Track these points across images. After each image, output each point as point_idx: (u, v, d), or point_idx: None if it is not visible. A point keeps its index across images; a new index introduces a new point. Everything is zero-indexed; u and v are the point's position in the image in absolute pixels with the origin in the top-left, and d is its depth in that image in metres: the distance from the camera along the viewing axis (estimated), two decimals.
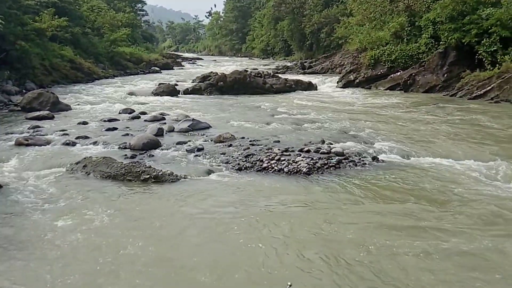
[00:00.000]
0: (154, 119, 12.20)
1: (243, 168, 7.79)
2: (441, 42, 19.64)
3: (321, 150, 8.66)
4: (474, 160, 8.21)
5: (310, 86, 21.44)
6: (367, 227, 5.52)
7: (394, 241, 5.08)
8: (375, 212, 6.04)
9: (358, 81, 22.45)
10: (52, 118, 12.49)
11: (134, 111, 13.51)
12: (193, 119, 11.38)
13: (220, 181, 7.26)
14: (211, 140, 9.73)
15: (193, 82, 21.79)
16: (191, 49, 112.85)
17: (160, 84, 20.39)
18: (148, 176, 7.15)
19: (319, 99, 17.87)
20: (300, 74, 29.96)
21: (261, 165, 7.89)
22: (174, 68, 38.95)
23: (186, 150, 8.87)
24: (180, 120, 11.52)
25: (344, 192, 6.78)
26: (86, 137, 9.97)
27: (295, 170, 7.61)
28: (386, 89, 21.09)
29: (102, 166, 7.52)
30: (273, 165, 7.82)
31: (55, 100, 13.90)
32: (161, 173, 7.25)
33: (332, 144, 9.35)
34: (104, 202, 6.28)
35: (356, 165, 8.04)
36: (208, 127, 11.22)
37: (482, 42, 17.60)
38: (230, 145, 9.19)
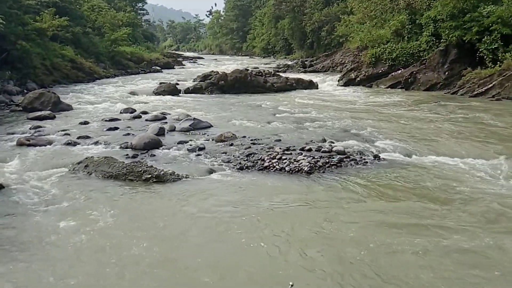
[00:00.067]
0: (155, 119, 12.20)
1: (244, 168, 7.79)
2: (442, 40, 19.61)
3: (323, 149, 8.66)
4: (477, 158, 8.19)
5: (311, 85, 21.42)
6: (369, 225, 5.52)
7: (396, 239, 5.09)
8: (377, 210, 6.04)
9: (359, 79, 22.44)
10: (53, 118, 12.50)
11: (135, 110, 13.52)
12: (194, 119, 11.39)
13: (222, 180, 7.26)
14: (213, 139, 9.73)
15: (194, 81, 21.81)
16: (191, 48, 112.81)
17: (161, 83, 20.41)
18: (150, 175, 7.15)
19: (320, 98, 17.86)
20: (301, 72, 29.95)
21: (263, 164, 7.89)
22: (175, 67, 38.96)
23: (188, 150, 8.88)
24: (181, 120, 11.52)
25: (345, 190, 6.78)
26: (88, 137, 9.98)
27: (297, 169, 7.61)
28: (387, 87, 21.07)
29: (103, 166, 7.53)
30: (274, 164, 7.82)
31: (56, 100, 13.91)
32: (162, 172, 7.25)
33: (333, 142, 9.35)
34: (107, 202, 6.29)
35: (357, 163, 8.04)
36: (209, 126, 11.22)
37: (483, 39, 17.56)
38: (232, 144, 9.20)
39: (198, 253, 4.88)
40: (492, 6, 17.95)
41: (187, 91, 19.16)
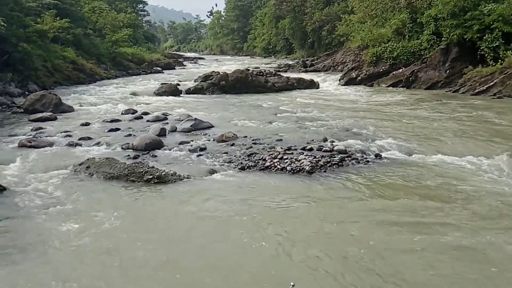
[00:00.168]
0: (157, 119, 12.21)
1: (246, 167, 7.79)
2: (443, 39, 19.58)
3: (324, 148, 8.66)
4: (479, 157, 8.17)
5: (312, 84, 21.41)
6: (370, 224, 5.52)
7: (397, 238, 5.10)
8: (378, 209, 6.03)
9: (360, 78, 22.43)
10: (55, 119, 12.52)
11: (136, 111, 13.54)
12: (195, 119, 11.39)
13: (223, 180, 7.26)
14: (214, 140, 9.74)
15: (195, 82, 21.82)
16: (192, 48, 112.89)
17: (162, 84, 20.44)
18: (151, 176, 7.16)
19: (321, 97, 17.85)
20: (302, 72, 29.91)
21: (264, 164, 7.89)
22: (176, 68, 38.97)
23: (189, 150, 8.88)
24: (182, 120, 11.53)
25: (347, 190, 6.78)
26: (89, 138, 9.99)
27: (298, 169, 7.61)
28: (388, 86, 21.06)
29: (105, 167, 7.54)
30: (276, 164, 7.82)
31: (58, 101, 13.94)
32: (164, 173, 7.26)
33: (334, 142, 9.35)
34: (109, 204, 6.29)
35: (359, 162, 8.04)
36: (211, 126, 11.22)
37: (484, 38, 17.52)
38: (233, 144, 9.20)
39: (201, 254, 4.88)
40: (493, 4, 17.91)
41: (188, 91, 19.17)
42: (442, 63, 19.37)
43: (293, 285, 4.04)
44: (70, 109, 14.09)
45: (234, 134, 9.83)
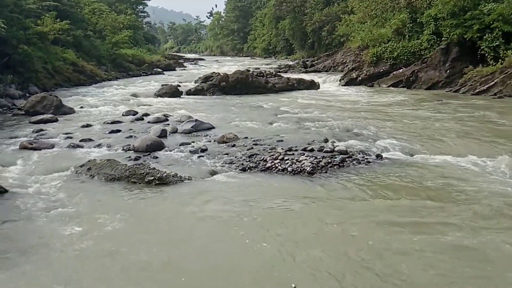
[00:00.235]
0: (157, 121, 12.21)
1: (247, 168, 7.79)
2: (443, 38, 19.60)
3: (325, 149, 8.66)
4: (481, 157, 8.15)
5: (313, 85, 21.42)
6: (371, 225, 5.52)
7: (398, 238, 5.11)
8: (379, 210, 6.03)
9: (360, 78, 22.45)
10: (56, 121, 12.53)
11: (137, 113, 13.54)
12: (196, 120, 11.40)
13: (225, 181, 7.26)
14: (215, 141, 9.74)
15: (195, 83, 21.84)
16: (193, 49, 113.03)
17: (162, 85, 20.45)
18: (153, 177, 7.16)
19: (322, 98, 17.86)
20: (302, 72, 29.94)
21: (265, 165, 7.89)
22: (176, 69, 38.99)
23: (190, 151, 8.89)
24: (183, 121, 11.53)
25: (348, 190, 6.78)
26: (90, 140, 9.99)
27: (299, 170, 7.61)
28: (388, 86, 21.07)
29: (106, 168, 7.54)
30: (277, 165, 7.82)
31: (59, 103, 13.94)
32: (165, 174, 7.26)
33: (335, 142, 9.35)
34: (110, 205, 6.29)
35: (360, 163, 8.04)
36: (211, 127, 11.23)
37: (484, 37, 17.54)
38: (234, 146, 9.20)
39: (203, 255, 4.88)
40: (493, 3, 17.93)
41: (189, 92, 19.19)
42: (442, 63, 19.38)
43: (294, 287, 4.05)
44: (71, 111, 14.10)
45: (235, 135, 9.84)
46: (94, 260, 4.76)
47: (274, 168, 7.75)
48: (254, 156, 8.33)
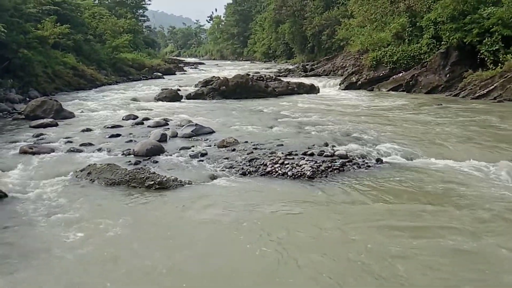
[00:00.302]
0: (158, 125, 12.22)
1: (247, 173, 7.78)
2: (442, 42, 19.64)
3: (325, 153, 8.66)
4: (481, 161, 8.14)
5: (313, 89, 21.43)
6: (371, 229, 5.52)
7: (397, 242, 5.12)
8: (379, 214, 6.03)
9: (360, 82, 22.48)
10: (56, 125, 12.52)
11: (137, 117, 13.55)
12: (196, 124, 11.40)
13: (225, 186, 7.26)
14: (215, 145, 9.74)
15: (195, 87, 21.87)
16: (193, 53, 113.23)
17: (162, 89, 20.45)
18: (153, 182, 7.16)
19: (322, 102, 17.88)
20: (302, 76, 29.95)
21: (265, 169, 7.88)
22: (176, 73, 39.02)
23: (190, 156, 8.89)
24: (183, 126, 11.54)
25: (348, 195, 6.77)
26: (90, 144, 9.99)
27: (299, 174, 7.61)
28: (388, 90, 21.10)
29: (106, 173, 7.54)
30: (277, 169, 7.82)
31: (59, 107, 13.95)
32: (165, 179, 7.26)
33: (335, 147, 9.35)
34: (111, 210, 6.27)
35: (360, 167, 8.04)
36: (211, 132, 11.23)
37: (484, 41, 17.58)
38: (234, 150, 9.20)
39: (205, 260, 4.87)
40: (492, 7, 17.98)
41: (189, 96, 19.20)
42: (442, 67, 19.42)
43: None
44: (71, 115, 14.10)
45: (235, 140, 9.84)
46: (96, 265, 4.73)
47: (274, 173, 7.75)
48: (254, 160, 8.33)
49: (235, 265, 4.76)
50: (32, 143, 10.17)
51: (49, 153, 9.27)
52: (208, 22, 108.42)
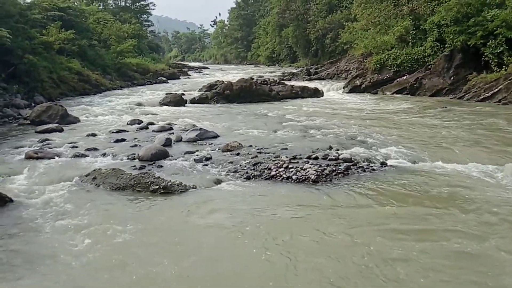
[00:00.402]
0: (162, 129, 12.25)
1: (251, 177, 7.79)
2: (446, 45, 19.61)
3: (329, 157, 8.65)
4: (486, 164, 8.13)
5: (316, 92, 21.46)
6: (375, 232, 5.50)
7: (401, 245, 5.11)
8: (383, 217, 6.02)
9: (364, 86, 22.48)
10: (61, 130, 12.57)
11: (142, 121, 13.59)
12: (200, 129, 11.43)
13: (229, 190, 7.27)
14: (219, 149, 9.75)
15: (199, 91, 21.91)
16: (197, 58, 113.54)
17: (167, 94, 20.53)
18: (157, 187, 7.17)
19: (326, 105, 17.88)
20: (306, 80, 29.99)
21: (269, 173, 7.89)
22: (180, 77, 39.11)
23: (194, 160, 8.90)
24: (187, 130, 11.56)
25: (352, 198, 6.76)
26: (95, 149, 10.02)
27: (304, 178, 7.60)
28: (392, 94, 21.09)
29: (111, 177, 7.56)
30: (281, 173, 7.82)
31: (64, 112, 14.01)
32: (170, 183, 7.27)
33: (340, 150, 9.34)
34: (116, 216, 6.26)
35: (364, 171, 8.02)
36: (216, 136, 11.25)
37: (488, 44, 17.54)
38: (238, 154, 9.21)
39: (211, 265, 4.86)
40: (496, 10, 17.93)
41: (193, 101, 19.25)
42: (446, 70, 19.38)
43: None
44: (76, 120, 14.17)
45: (239, 144, 9.85)
46: (104, 272, 4.69)
47: (278, 177, 7.75)
48: (259, 164, 8.33)
49: (241, 269, 4.76)
50: (37, 148, 10.21)
51: (55, 158, 9.31)
52: (212, 26, 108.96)
